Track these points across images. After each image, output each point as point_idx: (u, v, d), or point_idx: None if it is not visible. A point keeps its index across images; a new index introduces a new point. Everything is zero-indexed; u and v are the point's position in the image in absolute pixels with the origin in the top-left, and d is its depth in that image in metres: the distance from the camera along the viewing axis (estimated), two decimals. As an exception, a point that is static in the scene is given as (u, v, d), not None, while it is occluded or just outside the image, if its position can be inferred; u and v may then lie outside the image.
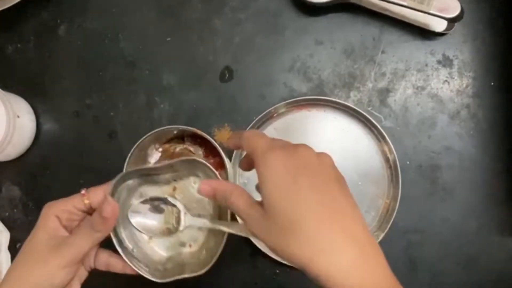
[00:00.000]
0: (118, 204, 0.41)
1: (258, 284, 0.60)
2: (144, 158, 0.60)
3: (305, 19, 0.63)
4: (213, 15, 0.64)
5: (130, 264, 0.44)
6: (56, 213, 0.42)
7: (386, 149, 0.60)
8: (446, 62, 0.61)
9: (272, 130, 0.61)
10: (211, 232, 0.47)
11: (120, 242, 0.45)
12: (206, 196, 0.38)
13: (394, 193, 0.59)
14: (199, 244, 0.48)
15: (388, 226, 0.58)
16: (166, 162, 0.45)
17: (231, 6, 0.64)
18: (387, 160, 0.60)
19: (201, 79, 0.63)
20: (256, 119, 0.60)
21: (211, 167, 0.45)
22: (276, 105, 0.60)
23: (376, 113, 0.61)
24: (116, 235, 0.45)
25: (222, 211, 0.46)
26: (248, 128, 0.60)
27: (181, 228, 0.45)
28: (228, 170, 0.55)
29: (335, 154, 0.60)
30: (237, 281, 0.60)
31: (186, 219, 0.45)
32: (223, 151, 0.55)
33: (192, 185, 0.47)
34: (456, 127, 0.60)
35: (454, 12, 0.55)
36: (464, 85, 0.61)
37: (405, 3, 0.56)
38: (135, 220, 0.45)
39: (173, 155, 0.60)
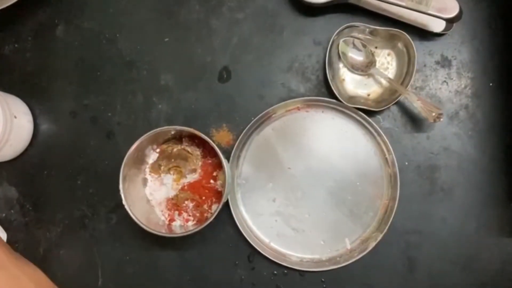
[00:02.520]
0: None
1: (256, 285, 0.60)
2: (142, 158, 0.59)
3: (303, 19, 0.63)
4: (211, 15, 0.63)
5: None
6: None
7: (384, 149, 0.59)
8: (444, 62, 0.61)
9: (270, 130, 0.61)
10: (386, 91, 0.61)
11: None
12: None
13: (392, 194, 0.59)
14: (374, 96, 0.61)
15: (387, 227, 0.58)
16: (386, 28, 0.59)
17: (229, 6, 0.63)
18: (385, 160, 0.59)
19: (199, 79, 0.63)
20: (254, 119, 0.60)
21: (411, 39, 0.58)
22: (274, 106, 0.60)
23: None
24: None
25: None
26: (245, 129, 0.60)
27: (376, 65, 0.60)
28: (226, 170, 0.54)
29: (333, 155, 0.61)
30: (235, 282, 0.60)
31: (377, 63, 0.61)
32: (221, 151, 0.55)
33: (386, 56, 0.61)
34: (455, 127, 0.60)
35: (453, 12, 0.55)
36: (463, 86, 0.61)
37: (403, 4, 0.56)
38: (350, 53, 0.61)
39: (171, 155, 0.60)
